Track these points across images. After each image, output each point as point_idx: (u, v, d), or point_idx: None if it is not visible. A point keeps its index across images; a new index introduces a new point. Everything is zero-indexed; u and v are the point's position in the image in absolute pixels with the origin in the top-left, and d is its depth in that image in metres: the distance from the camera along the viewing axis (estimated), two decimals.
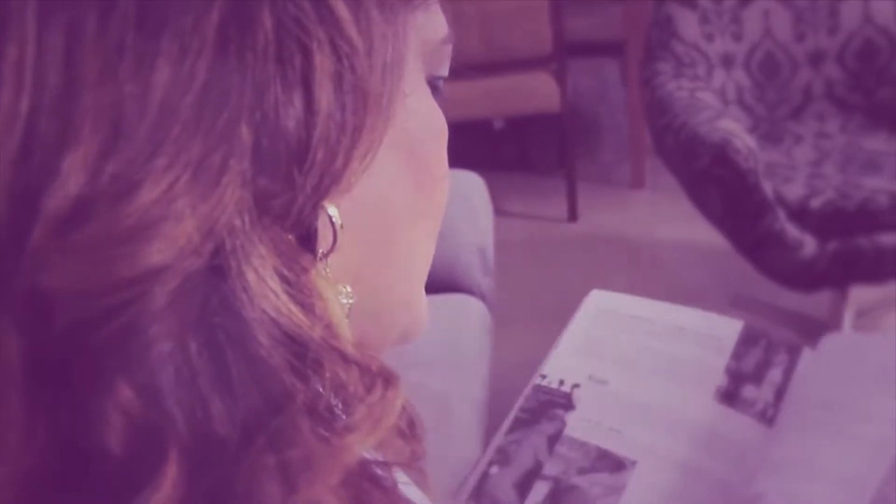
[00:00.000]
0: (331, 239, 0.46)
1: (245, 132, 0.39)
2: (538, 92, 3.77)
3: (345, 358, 0.43)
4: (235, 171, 0.39)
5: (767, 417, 0.88)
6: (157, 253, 0.37)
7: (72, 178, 0.36)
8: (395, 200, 0.51)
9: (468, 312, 2.14)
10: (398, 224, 0.52)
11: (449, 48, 0.53)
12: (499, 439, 0.89)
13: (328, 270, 0.46)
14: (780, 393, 0.90)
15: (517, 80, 3.71)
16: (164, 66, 0.37)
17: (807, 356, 0.93)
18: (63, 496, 0.37)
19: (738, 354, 0.93)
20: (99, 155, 0.36)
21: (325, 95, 0.42)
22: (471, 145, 3.75)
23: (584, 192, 3.99)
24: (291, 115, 0.41)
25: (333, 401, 0.43)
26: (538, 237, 3.86)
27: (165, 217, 0.37)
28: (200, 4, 0.38)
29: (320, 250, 0.45)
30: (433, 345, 1.88)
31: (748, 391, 0.90)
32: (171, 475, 0.37)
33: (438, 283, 2.11)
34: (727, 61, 2.98)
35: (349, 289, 0.48)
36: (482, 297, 2.21)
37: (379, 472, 0.46)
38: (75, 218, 0.36)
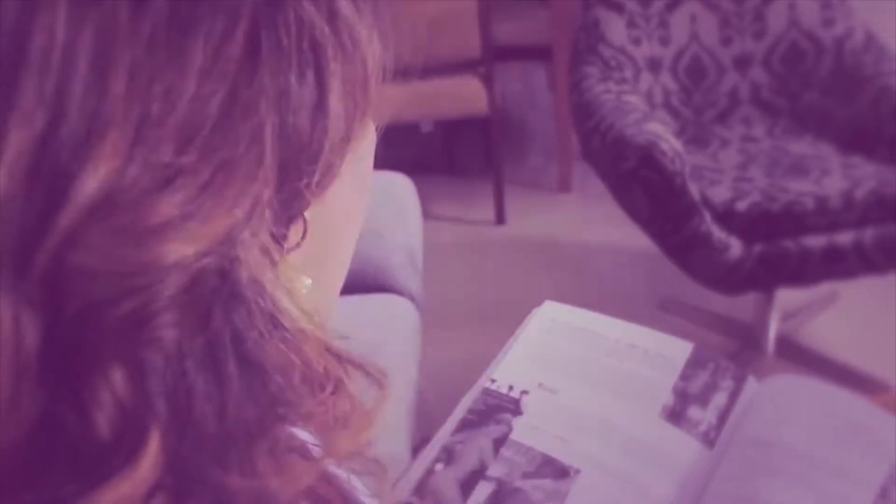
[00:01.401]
0: (299, 234, 0.49)
1: (269, 132, 0.41)
2: (466, 96, 3.78)
3: (336, 356, 0.47)
4: (263, 172, 0.41)
5: (709, 439, 0.89)
6: (184, 247, 0.38)
7: (102, 164, 0.36)
8: (344, 201, 0.54)
9: (397, 313, 2.15)
10: (344, 223, 0.56)
11: None
12: (444, 438, 0.89)
13: (293, 265, 0.48)
14: (723, 417, 0.91)
15: (445, 84, 3.70)
16: (194, 64, 0.38)
17: (751, 385, 0.94)
18: (43, 473, 0.38)
19: (685, 375, 0.93)
20: (130, 144, 0.37)
21: (334, 97, 0.45)
22: (399, 149, 3.75)
23: (512, 196, 4.00)
24: (307, 116, 0.44)
25: (322, 401, 0.45)
26: (466, 240, 3.86)
27: (196, 215, 0.38)
28: (232, 6, 0.40)
29: (286, 244, 0.48)
30: (362, 344, 1.87)
31: (693, 412, 0.90)
32: (150, 457, 0.38)
33: (368, 284, 2.11)
34: (654, 65, 3.00)
35: (309, 282, 0.51)
36: (411, 298, 2.21)
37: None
38: (106, 204, 0.36)
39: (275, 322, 0.43)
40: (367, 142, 0.55)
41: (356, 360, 0.48)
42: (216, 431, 0.40)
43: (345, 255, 0.59)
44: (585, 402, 0.91)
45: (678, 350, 0.96)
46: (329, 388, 0.46)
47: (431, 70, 3.58)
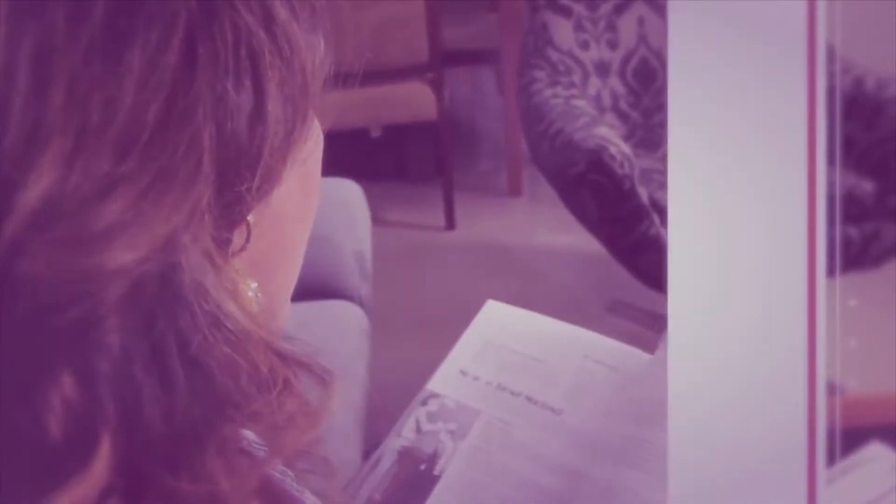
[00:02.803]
0: (243, 238, 0.50)
1: (207, 139, 0.42)
2: (415, 101, 3.77)
3: (280, 355, 0.47)
4: (202, 177, 0.41)
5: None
6: (126, 253, 0.38)
7: (44, 175, 0.37)
8: (290, 205, 0.55)
9: (347, 318, 2.14)
10: (291, 226, 0.57)
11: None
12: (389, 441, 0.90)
13: (238, 268, 0.50)
14: None
15: (394, 88, 3.69)
16: (132, 74, 0.39)
17: None
18: None
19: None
20: (70, 153, 0.37)
21: (272, 102, 0.46)
22: (348, 154, 3.74)
23: (462, 201, 3.99)
24: (245, 121, 0.44)
25: (269, 402, 0.46)
26: (416, 245, 3.85)
27: (136, 222, 0.39)
28: (167, 16, 0.40)
29: (230, 248, 0.49)
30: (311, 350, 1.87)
31: None
32: (102, 459, 0.39)
33: (317, 289, 2.11)
34: (602, 69, 3.00)
35: (255, 285, 0.52)
36: (361, 303, 2.21)
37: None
38: (49, 213, 0.37)
39: (218, 325, 0.43)
40: (311, 145, 0.55)
41: (301, 360, 0.48)
42: (165, 433, 0.41)
43: (294, 257, 0.59)
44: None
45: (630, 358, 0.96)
46: (276, 389, 0.46)
47: (380, 75, 3.57)
